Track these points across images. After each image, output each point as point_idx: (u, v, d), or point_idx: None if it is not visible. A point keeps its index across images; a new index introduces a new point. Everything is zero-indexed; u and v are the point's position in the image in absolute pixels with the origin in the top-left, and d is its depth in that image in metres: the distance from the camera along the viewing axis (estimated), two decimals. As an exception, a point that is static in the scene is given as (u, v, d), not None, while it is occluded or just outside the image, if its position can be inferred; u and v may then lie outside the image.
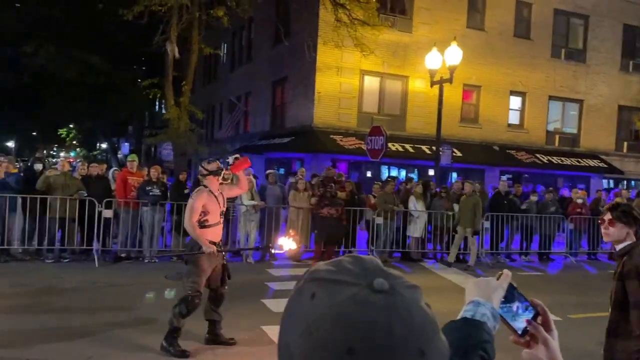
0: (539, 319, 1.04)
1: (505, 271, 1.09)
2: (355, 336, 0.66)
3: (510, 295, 1.06)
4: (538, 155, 20.33)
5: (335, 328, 0.67)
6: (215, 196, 5.48)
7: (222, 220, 5.64)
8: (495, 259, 12.59)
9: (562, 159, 20.63)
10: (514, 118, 21.01)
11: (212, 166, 5.58)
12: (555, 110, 21.80)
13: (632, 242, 3.22)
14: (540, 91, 21.08)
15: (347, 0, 14.68)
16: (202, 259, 5.43)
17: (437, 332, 0.72)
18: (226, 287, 5.80)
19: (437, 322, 0.73)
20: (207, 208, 5.42)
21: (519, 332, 1.03)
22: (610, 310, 3.27)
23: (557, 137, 21.75)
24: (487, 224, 12.34)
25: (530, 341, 1.04)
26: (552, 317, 1.05)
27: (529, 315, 1.04)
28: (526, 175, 20.67)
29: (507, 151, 20.15)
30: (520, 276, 11.03)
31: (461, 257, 12.25)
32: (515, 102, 20.98)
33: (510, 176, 20.05)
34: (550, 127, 21.72)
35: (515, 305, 1.05)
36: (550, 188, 14.40)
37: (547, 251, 13.17)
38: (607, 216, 3.27)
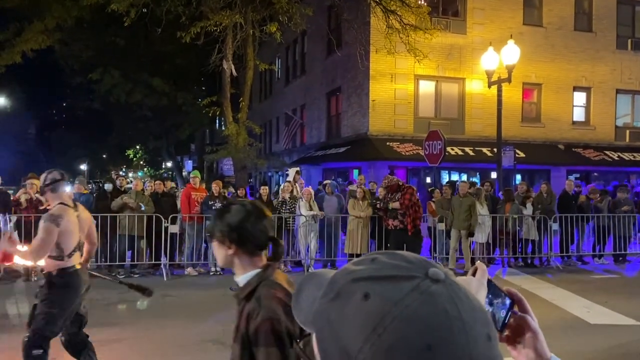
0: (516, 308, 0.96)
1: (479, 264, 0.98)
2: (432, 330, 0.61)
3: (488, 290, 0.96)
4: (607, 152, 19.36)
5: (408, 325, 0.61)
6: None
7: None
8: (565, 262, 12.07)
9: (635, 155, 19.54)
10: (578, 115, 20.14)
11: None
12: (624, 104, 20.71)
13: (255, 276, 1.92)
14: (607, 85, 20.11)
15: (398, 7, 14.58)
16: None
17: (489, 316, 0.70)
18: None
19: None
20: None
21: (498, 327, 0.93)
22: None
23: (627, 132, 20.63)
24: (555, 226, 11.86)
25: (510, 335, 0.95)
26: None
27: (505, 307, 0.95)
28: (595, 174, 19.72)
29: (573, 150, 19.31)
30: (596, 279, 10.53)
31: (528, 261, 11.82)
32: (579, 98, 20.11)
33: (578, 175, 19.21)
34: (620, 122, 20.64)
35: (493, 301, 0.96)
36: (622, 186, 13.64)
37: (622, 253, 12.48)
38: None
